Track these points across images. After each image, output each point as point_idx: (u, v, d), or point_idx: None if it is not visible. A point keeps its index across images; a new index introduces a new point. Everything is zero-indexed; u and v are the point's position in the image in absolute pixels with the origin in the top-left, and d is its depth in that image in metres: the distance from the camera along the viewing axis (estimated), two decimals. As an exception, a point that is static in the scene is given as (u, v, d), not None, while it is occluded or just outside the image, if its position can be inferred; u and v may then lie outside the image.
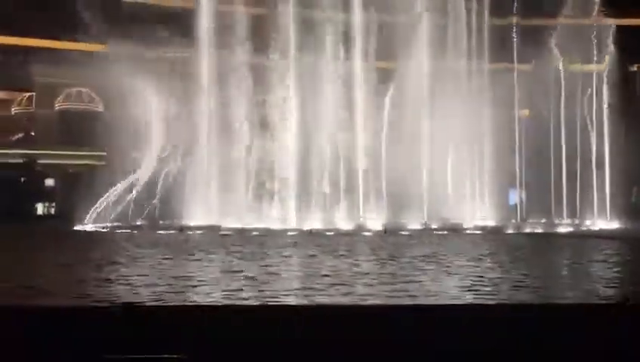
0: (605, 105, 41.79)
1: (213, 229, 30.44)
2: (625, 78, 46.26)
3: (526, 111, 44.39)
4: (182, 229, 30.08)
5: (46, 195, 41.36)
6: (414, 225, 33.97)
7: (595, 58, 43.79)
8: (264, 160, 37.69)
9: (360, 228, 32.49)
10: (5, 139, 46.25)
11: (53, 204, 40.30)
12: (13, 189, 40.63)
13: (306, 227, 32.04)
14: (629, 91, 45.74)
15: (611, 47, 42.90)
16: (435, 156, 38.37)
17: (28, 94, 46.93)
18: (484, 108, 40.39)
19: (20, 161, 42.98)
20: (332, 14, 39.12)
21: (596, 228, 36.78)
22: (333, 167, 37.16)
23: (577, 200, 40.69)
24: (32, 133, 44.37)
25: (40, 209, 41.81)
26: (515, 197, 43.34)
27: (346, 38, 39.52)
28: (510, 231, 33.95)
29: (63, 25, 42.31)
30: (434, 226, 33.47)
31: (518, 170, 41.04)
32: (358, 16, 39.69)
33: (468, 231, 32.14)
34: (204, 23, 38.36)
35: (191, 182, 35.38)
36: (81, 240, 26.39)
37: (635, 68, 50.66)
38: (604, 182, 40.81)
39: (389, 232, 30.40)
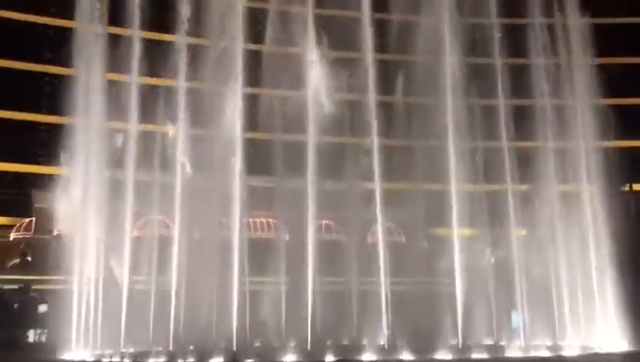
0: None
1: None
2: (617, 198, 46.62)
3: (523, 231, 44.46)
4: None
5: (39, 322, 40.69)
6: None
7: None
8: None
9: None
10: (2, 264, 46.20)
11: (45, 331, 39.65)
12: (6, 316, 40.13)
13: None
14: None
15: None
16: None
17: (27, 220, 47.37)
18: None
19: (16, 286, 42.72)
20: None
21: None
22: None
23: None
24: (29, 259, 44.35)
25: (32, 336, 41.04)
26: (519, 319, 42.49)
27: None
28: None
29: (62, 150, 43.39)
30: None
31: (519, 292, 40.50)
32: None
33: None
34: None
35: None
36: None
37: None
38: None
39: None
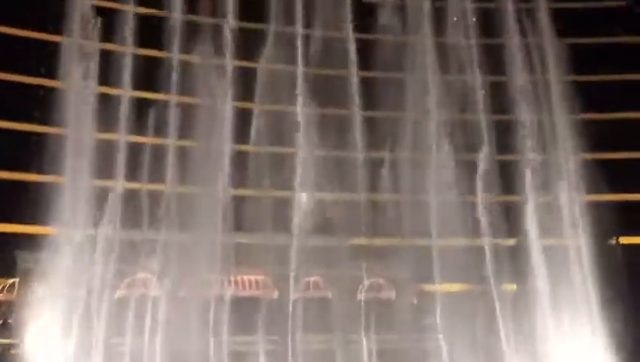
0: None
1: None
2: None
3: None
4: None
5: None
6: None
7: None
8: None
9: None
10: (-17, 327, 45.52)
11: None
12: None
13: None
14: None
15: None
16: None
17: (10, 281, 46.85)
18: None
19: (-2, 351, 42.03)
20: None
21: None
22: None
23: None
24: (10, 321, 43.71)
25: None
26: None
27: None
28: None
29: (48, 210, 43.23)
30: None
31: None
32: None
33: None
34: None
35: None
36: None
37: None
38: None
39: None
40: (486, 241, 46.49)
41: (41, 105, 46.34)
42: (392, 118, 50.21)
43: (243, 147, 45.99)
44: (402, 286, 48.49)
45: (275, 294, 44.88)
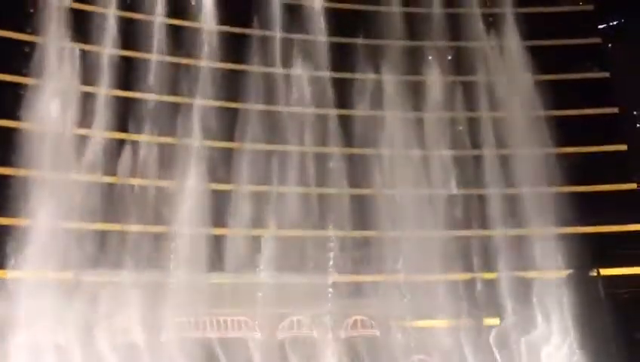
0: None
1: None
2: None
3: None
4: None
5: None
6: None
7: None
8: None
9: None
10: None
11: None
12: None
13: None
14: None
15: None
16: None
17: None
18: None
19: None
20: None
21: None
22: None
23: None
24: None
25: None
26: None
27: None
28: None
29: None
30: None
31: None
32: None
33: None
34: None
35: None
36: None
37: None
38: None
39: None
40: (465, 276, 46.71)
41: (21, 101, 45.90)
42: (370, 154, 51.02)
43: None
44: (385, 323, 48.28)
45: (259, 335, 44.62)
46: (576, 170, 54.73)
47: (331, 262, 45.15)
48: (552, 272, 44.28)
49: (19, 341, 34.70)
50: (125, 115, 48.77)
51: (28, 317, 34.92)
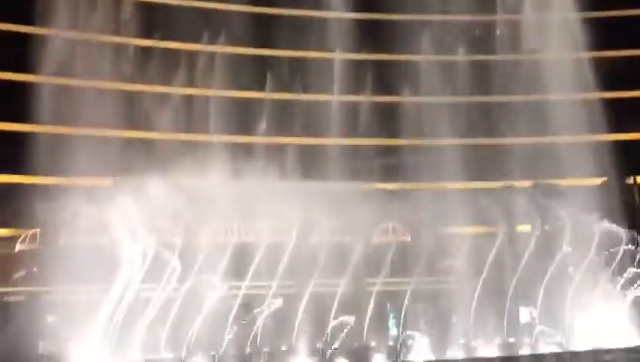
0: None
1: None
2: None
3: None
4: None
5: (47, 333, 40.68)
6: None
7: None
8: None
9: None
10: (7, 276, 46.08)
11: (54, 343, 39.64)
12: (15, 327, 40.14)
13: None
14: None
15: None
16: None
17: (32, 231, 47.28)
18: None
19: (22, 298, 42.69)
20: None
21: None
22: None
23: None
24: (35, 270, 44.24)
25: (41, 347, 41.08)
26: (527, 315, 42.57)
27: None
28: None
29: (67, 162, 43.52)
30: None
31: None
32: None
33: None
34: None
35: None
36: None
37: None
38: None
39: None
40: (497, 184, 46.76)
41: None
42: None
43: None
44: (416, 229, 48.87)
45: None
46: (611, 75, 53.81)
47: (363, 169, 45.33)
48: (586, 180, 44.24)
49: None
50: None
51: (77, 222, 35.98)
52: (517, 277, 39.21)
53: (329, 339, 37.03)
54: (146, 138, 52.63)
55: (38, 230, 46.45)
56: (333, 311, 37.31)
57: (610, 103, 49.39)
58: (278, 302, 37.41)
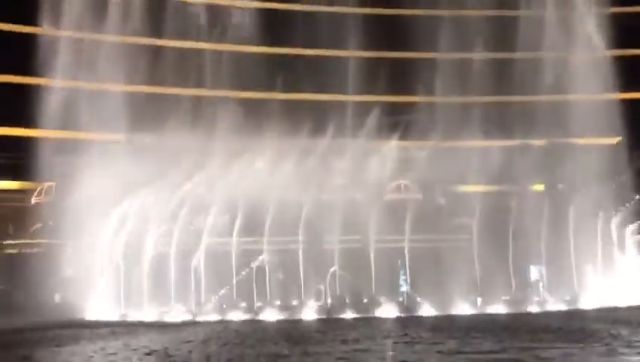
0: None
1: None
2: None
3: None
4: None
5: (64, 284, 41.52)
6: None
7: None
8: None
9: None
10: (23, 228, 46.87)
11: (70, 293, 40.47)
12: (32, 279, 40.98)
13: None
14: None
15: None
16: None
17: (47, 184, 47.84)
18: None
19: (39, 250, 43.44)
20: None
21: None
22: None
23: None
24: (51, 223, 44.85)
25: (57, 298, 41.94)
26: (537, 273, 42.71)
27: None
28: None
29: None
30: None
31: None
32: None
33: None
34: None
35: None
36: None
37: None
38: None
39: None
40: (510, 142, 46.52)
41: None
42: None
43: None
44: (428, 187, 48.89)
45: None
46: (629, 31, 52.97)
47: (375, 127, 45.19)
48: (602, 139, 43.86)
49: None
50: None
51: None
52: (527, 235, 39.23)
53: (337, 293, 37.53)
54: (159, 93, 52.72)
55: (53, 183, 46.97)
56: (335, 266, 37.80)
57: (626, 61, 48.67)
58: (263, 258, 38.03)
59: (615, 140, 45.90)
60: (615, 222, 40.15)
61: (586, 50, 45.67)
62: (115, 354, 15.64)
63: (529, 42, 49.31)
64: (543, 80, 47.68)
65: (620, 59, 48.22)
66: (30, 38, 49.38)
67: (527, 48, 50.05)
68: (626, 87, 49.71)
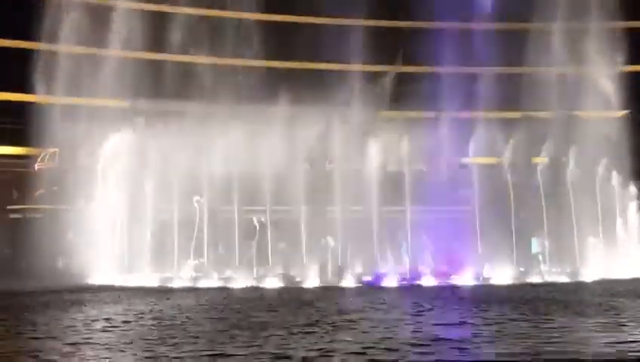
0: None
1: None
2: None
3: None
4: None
5: (66, 249, 41.79)
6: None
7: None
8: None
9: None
10: (27, 194, 47.04)
11: (72, 259, 40.76)
12: (35, 244, 41.23)
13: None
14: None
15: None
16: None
17: (51, 150, 47.88)
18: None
19: (43, 215, 43.68)
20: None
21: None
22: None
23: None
24: (55, 189, 45.03)
25: (60, 263, 42.23)
26: (539, 245, 42.84)
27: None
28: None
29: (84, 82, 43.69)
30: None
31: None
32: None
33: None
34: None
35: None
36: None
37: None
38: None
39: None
40: (514, 114, 46.31)
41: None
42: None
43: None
44: (432, 158, 48.81)
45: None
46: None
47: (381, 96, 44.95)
48: (608, 112, 43.64)
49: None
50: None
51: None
52: (530, 207, 39.25)
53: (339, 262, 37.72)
54: (163, 60, 52.43)
55: (57, 149, 47.03)
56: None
57: (634, 33, 48.21)
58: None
59: (621, 113, 45.70)
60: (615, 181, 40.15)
61: (595, 21, 45.24)
62: (113, 318, 15.77)
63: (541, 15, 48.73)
64: (552, 52, 47.28)
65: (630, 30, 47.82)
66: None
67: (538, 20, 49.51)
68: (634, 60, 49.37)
